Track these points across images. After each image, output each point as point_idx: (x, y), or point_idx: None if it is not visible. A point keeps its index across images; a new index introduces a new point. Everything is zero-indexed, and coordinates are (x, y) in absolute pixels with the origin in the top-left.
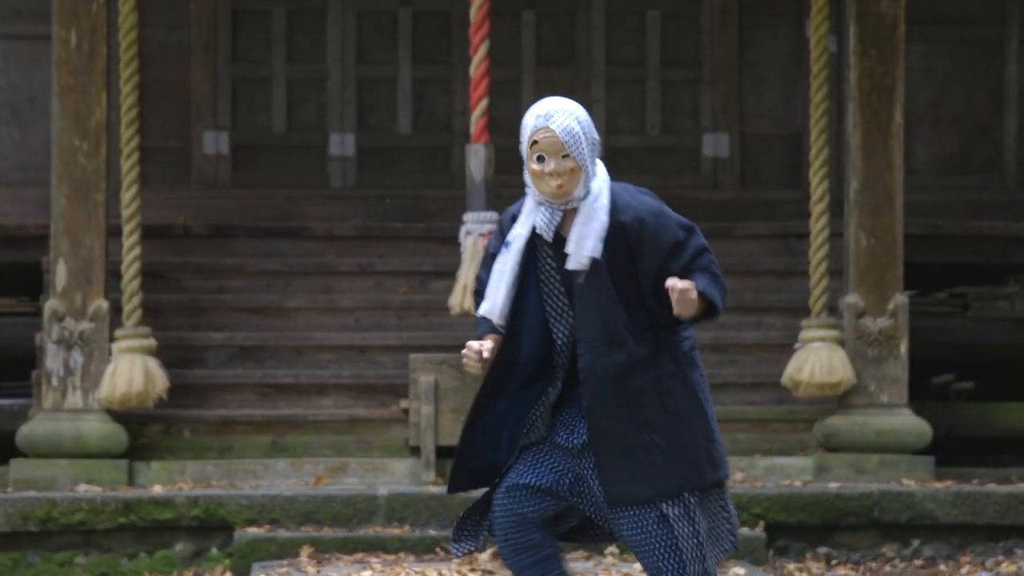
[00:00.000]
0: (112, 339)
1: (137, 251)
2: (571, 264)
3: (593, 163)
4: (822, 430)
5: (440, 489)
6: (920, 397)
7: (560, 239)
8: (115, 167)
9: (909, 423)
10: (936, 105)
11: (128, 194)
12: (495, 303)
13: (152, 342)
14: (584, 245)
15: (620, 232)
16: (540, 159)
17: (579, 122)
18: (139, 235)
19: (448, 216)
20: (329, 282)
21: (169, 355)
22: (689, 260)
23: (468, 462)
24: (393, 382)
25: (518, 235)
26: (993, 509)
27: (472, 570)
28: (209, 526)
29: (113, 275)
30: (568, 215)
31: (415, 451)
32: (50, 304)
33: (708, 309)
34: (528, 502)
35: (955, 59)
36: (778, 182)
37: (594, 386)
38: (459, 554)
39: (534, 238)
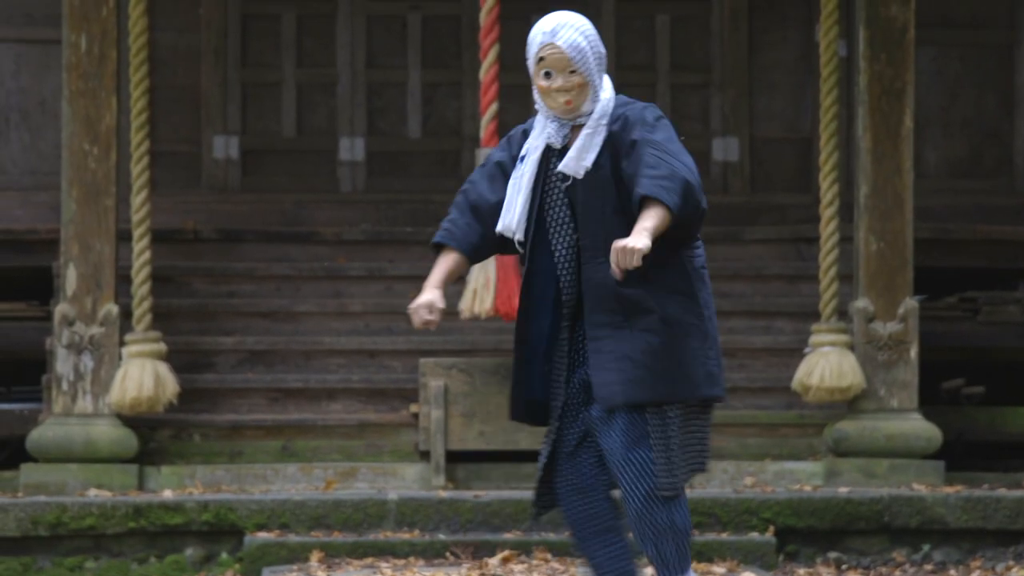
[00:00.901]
0: (122, 343)
1: (147, 255)
2: (565, 169)
3: (600, 77)
4: (832, 435)
5: (450, 494)
6: (930, 402)
7: (565, 151)
8: (125, 171)
9: (919, 428)
10: (946, 109)
11: (138, 198)
12: (513, 217)
13: (162, 346)
14: (584, 156)
15: (611, 140)
16: (547, 75)
17: (585, 36)
18: (149, 239)
19: None
20: (339, 286)
21: (179, 359)
22: (639, 157)
23: (517, 393)
24: (403, 386)
25: (533, 147)
26: (1003, 514)
27: (483, 575)
28: (219, 531)
29: (123, 279)
30: (576, 130)
31: (425, 455)
32: (60, 308)
33: (670, 216)
34: (587, 470)
35: (965, 63)
36: (788, 186)
37: (594, 294)
38: (539, 516)
39: (545, 152)
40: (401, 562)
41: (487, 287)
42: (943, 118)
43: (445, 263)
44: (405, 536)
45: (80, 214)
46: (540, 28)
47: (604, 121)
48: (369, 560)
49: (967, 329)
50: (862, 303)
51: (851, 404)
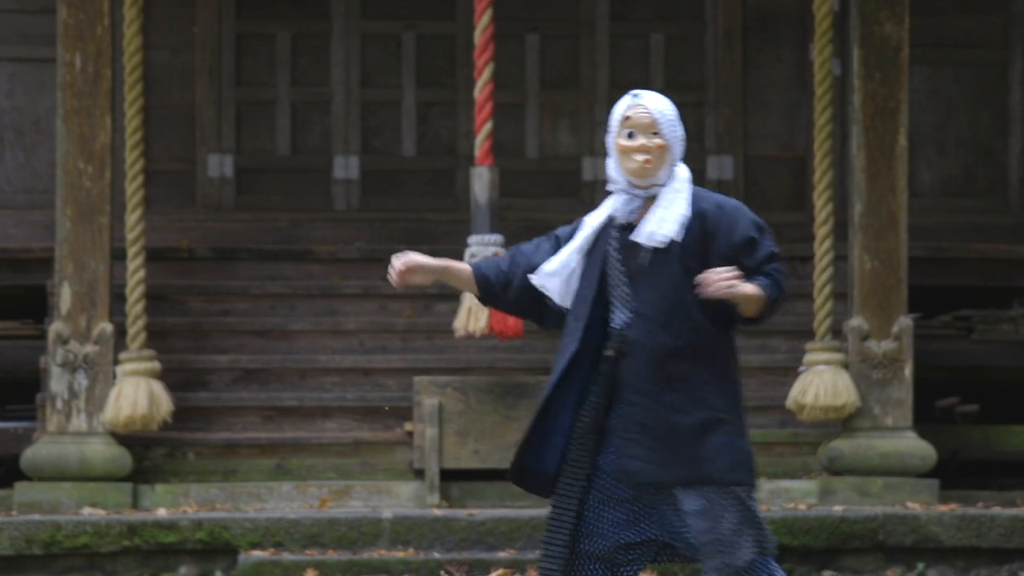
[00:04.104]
0: (116, 362)
1: (141, 274)
2: (643, 239)
3: (679, 151)
4: (827, 453)
5: (444, 512)
6: (924, 420)
7: (631, 228)
8: (120, 190)
9: (914, 446)
10: (940, 128)
11: (133, 217)
12: (542, 272)
13: (156, 365)
14: (663, 226)
15: (699, 218)
16: (631, 135)
17: (670, 107)
18: (143, 258)
19: (452, 239)
20: (333, 305)
21: (173, 378)
22: (760, 262)
23: (524, 460)
24: (397, 405)
25: (590, 224)
26: (998, 532)
27: None
28: (213, 549)
29: (118, 298)
30: (647, 204)
31: (419, 474)
32: (55, 327)
33: (762, 308)
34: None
35: (959, 82)
36: (782, 205)
37: (636, 360)
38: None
39: (605, 229)
40: None
41: (482, 306)
42: (937, 137)
43: (458, 264)
44: (399, 555)
45: (74, 232)
46: (627, 96)
47: (681, 194)
48: None
49: (961, 347)
50: (856, 321)
51: (845, 422)
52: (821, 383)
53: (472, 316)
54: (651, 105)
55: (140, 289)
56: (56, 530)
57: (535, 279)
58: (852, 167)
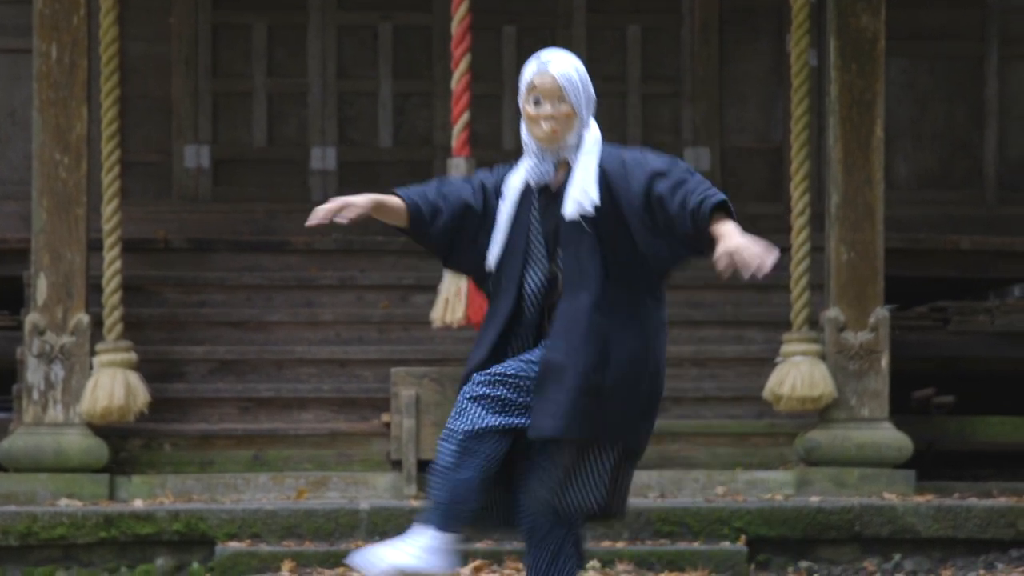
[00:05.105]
0: (93, 353)
1: (118, 265)
2: (571, 209)
3: (588, 113)
4: (803, 444)
5: (422, 503)
6: (901, 411)
7: (545, 190)
8: (96, 181)
9: (890, 437)
10: (916, 120)
11: (109, 208)
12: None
13: (133, 356)
14: (586, 193)
15: (603, 179)
16: (536, 102)
17: (577, 71)
18: (120, 249)
19: None
20: (310, 296)
21: (150, 369)
22: (678, 178)
23: None
24: (374, 396)
25: (514, 187)
26: (974, 523)
27: None
28: (190, 540)
29: (94, 289)
30: (560, 167)
31: (396, 465)
32: (31, 318)
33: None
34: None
35: (935, 74)
36: (759, 196)
37: (559, 323)
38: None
39: (525, 193)
40: None
41: (459, 297)
42: (913, 129)
43: (386, 196)
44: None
45: (51, 224)
46: (534, 59)
47: (592, 157)
48: (341, 570)
49: (938, 339)
50: (833, 313)
51: (822, 413)
52: (798, 374)
53: (449, 307)
54: (557, 71)
55: (116, 280)
56: (32, 521)
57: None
58: (829, 159)
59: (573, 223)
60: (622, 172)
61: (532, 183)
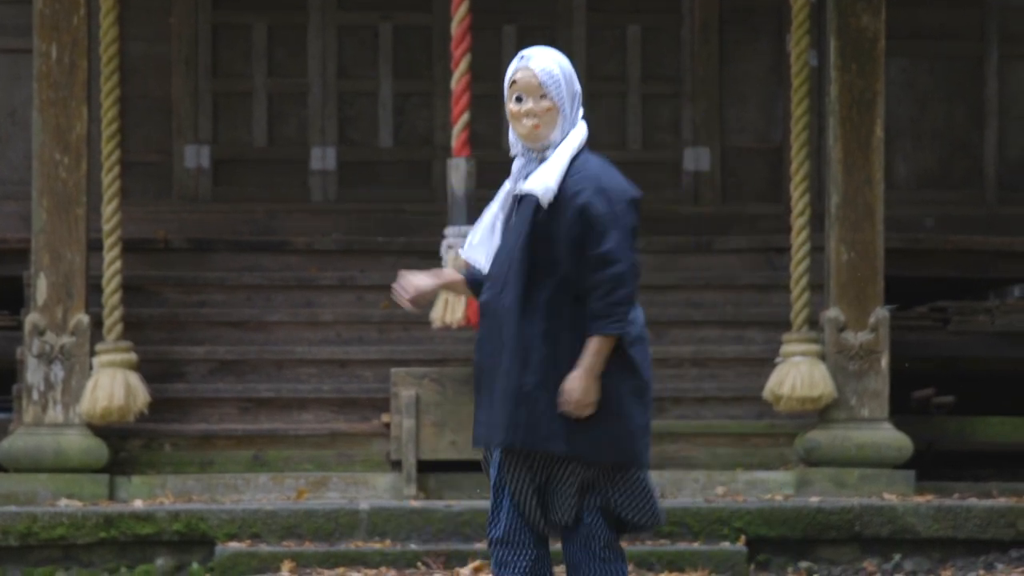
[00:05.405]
0: (93, 353)
1: (118, 265)
2: (520, 188)
3: (572, 110)
4: (803, 444)
5: (422, 503)
6: (901, 411)
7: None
8: (96, 181)
9: (890, 437)
10: (916, 120)
11: (109, 208)
12: (468, 244)
13: (133, 356)
14: (544, 180)
15: (573, 197)
16: (518, 99)
17: (560, 66)
18: (120, 249)
19: (429, 230)
20: (310, 296)
21: (150, 369)
22: (609, 277)
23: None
24: (374, 396)
25: (505, 189)
26: (974, 523)
27: None
28: (190, 541)
29: (94, 289)
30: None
31: (396, 465)
32: (31, 318)
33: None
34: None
35: (935, 74)
36: (759, 196)
37: (486, 321)
38: None
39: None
40: (373, 572)
41: (459, 297)
42: (913, 129)
43: (450, 273)
44: (377, 546)
45: (51, 224)
46: (517, 56)
47: (567, 151)
48: (341, 570)
49: (937, 339)
50: (833, 313)
51: (822, 414)
52: (798, 374)
53: (449, 308)
54: (537, 67)
55: (116, 280)
56: (32, 521)
57: (464, 254)
58: (828, 159)
59: (521, 216)
60: (570, 199)
61: (514, 181)
